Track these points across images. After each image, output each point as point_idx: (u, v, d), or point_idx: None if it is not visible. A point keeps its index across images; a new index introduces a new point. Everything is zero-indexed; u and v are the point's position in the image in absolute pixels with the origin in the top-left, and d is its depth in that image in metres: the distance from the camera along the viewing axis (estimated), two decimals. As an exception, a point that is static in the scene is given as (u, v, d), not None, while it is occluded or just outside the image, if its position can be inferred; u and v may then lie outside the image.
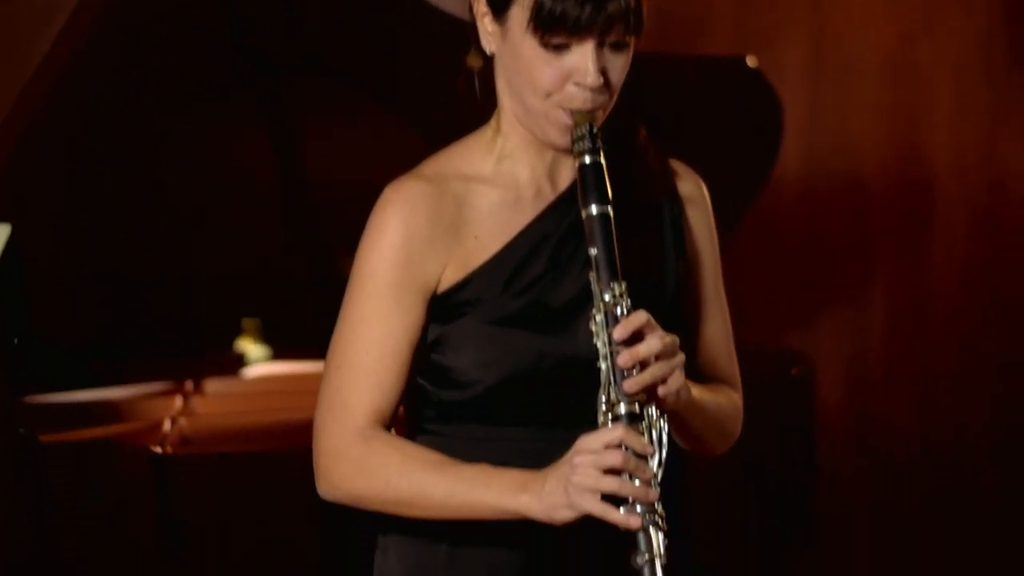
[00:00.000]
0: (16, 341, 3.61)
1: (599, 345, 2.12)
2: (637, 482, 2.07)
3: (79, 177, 4.28)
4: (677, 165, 2.36)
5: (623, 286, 2.12)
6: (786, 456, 4.30)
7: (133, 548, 3.49)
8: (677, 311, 2.27)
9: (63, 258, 4.30)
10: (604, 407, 2.11)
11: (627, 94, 2.23)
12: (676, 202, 2.32)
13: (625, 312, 2.11)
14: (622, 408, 2.10)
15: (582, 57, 2.15)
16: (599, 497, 2.06)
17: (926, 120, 5.47)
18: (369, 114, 4.49)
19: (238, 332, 4.53)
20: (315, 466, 2.24)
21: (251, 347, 4.53)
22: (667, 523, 2.08)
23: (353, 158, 4.32)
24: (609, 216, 2.14)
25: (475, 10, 2.24)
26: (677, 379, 2.13)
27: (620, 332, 2.10)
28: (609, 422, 2.10)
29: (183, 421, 3.96)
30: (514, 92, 2.22)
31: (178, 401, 4.16)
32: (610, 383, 2.10)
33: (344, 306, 2.24)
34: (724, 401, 2.33)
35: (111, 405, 4.11)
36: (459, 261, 2.22)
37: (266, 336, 4.54)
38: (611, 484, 2.06)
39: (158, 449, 3.62)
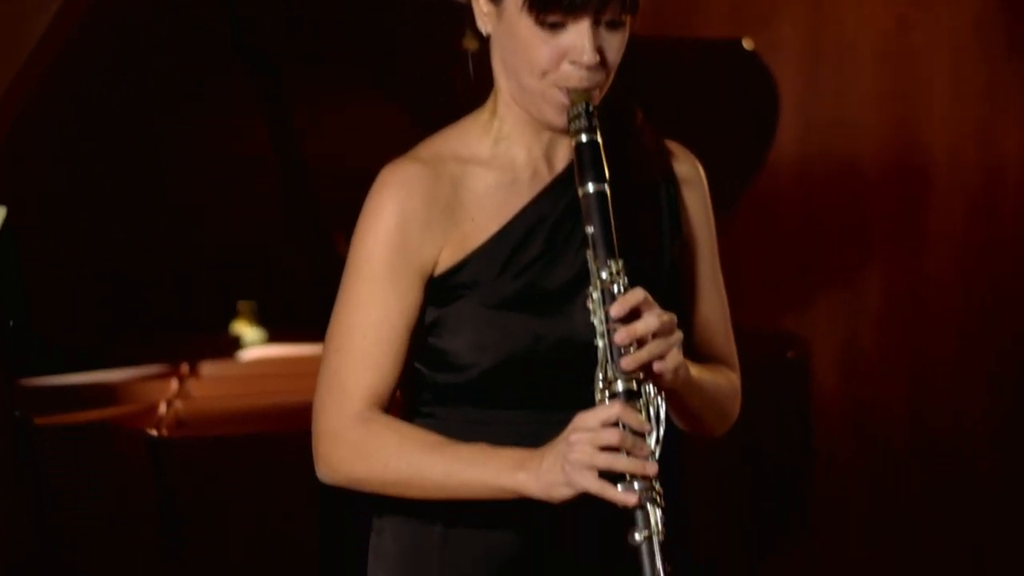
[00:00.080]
0: (11, 324, 3.61)
1: (596, 323, 2.11)
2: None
3: (74, 161, 4.28)
4: (673, 146, 2.36)
5: (620, 264, 2.11)
6: (782, 439, 4.30)
7: (129, 530, 3.49)
8: (673, 291, 2.26)
9: (59, 242, 4.30)
10: (601, 385, 2.10)
11: (623, 77, 2.23)
12: (672, 182, 2.32)
13: (622, 290, 2.10)
14: (619, 386, 2.09)
15: (578, 35, 2.15)
16: (596, 474, 2.06)
17: (923, 103, 5.46)
18: (367, 99, 4.48)
19: (234, 315, 4.52)
20: (314, 450, 2.23)
21: (247, 330, 4.53)
22: (664, 501, 2.07)
23: (350, 142, 4.31)
24: (606, 194, 2.13)
25: (471, -9, 2.24)
26: (675, 357, 2.12)
27: (617, 309, 2.09)
28: (606, 400, 2.09)
29: (179, 404, 3.96)
30: (510, 72, 2.21)
31: (174, 384, 4.17)
32: (607, 361, 2.10)
33: (341, 289, 2.24)
34: (723, 381, 2.32)
35: (107, 388, 4.11)
36: (456, 243, 2.22)
37: (262, 319, 4.54)
38: (608, 461, 2.05)
39: (154, 432, 3.62)
